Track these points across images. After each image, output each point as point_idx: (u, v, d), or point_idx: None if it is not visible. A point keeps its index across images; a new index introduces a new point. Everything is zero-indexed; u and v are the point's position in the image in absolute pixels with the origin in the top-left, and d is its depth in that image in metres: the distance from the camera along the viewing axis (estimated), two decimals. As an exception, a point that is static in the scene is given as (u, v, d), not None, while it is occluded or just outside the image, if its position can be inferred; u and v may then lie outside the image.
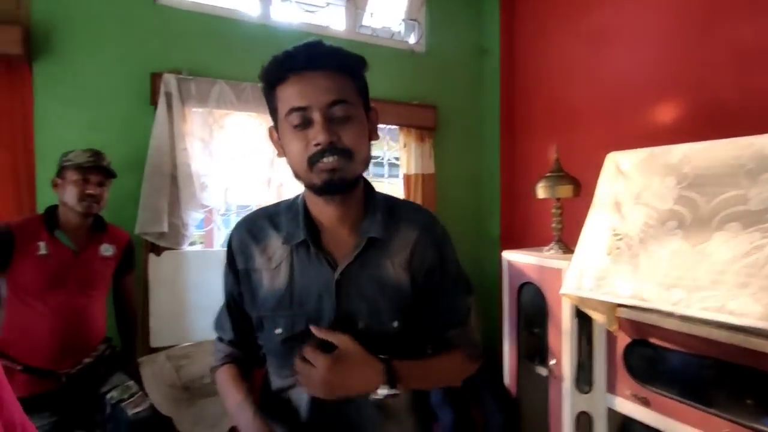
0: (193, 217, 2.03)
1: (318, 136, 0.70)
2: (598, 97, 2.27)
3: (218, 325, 0.91)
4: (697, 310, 1.17)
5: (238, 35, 2.18)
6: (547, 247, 1.99)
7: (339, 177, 0.72)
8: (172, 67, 2.00)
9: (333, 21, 2.50)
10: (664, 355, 1.49)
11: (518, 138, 2.81)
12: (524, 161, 2.76)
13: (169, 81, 1.95)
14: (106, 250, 1.60)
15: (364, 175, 0.83)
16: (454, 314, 0.87)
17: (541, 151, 2.62)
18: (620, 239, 1.45)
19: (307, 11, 2.42)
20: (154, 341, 1.87)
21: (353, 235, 0.81)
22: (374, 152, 2.85)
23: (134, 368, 1.70)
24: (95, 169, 1.53)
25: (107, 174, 1.57)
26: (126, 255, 1.68)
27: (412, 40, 2.72)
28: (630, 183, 1.49)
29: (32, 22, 1.81)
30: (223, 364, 0.88)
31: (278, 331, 0.79)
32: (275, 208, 0.86)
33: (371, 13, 2.58)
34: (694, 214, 1.27)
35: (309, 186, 0.76)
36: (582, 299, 1.57)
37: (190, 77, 2.00)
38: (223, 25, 2.16)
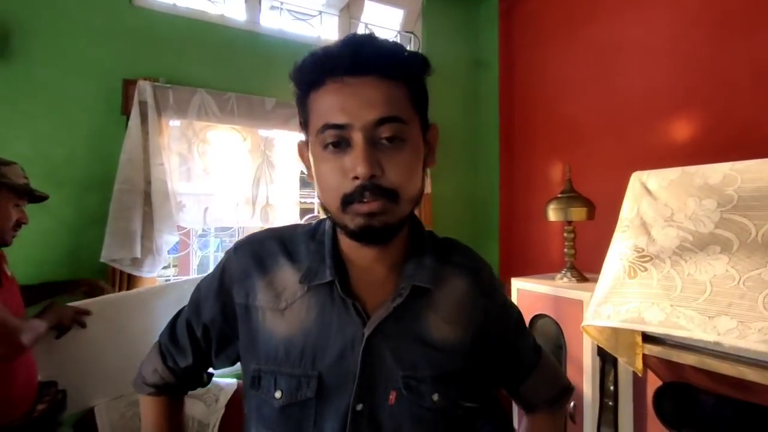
0: (167, 240, 1.81)
1: (357, 166, 0.53)
2: (607, 114, 2.14)
3: (175, 344, 0.72)
4: (756, 342, 1.00)
5: (222, 42, 2.01)
6: (559, 275, 1.83)
7: (379, 222, 0.55)
8: (149, 73, 1.81)
9: (326, 30, 2.35)
10: (702, 400, 1.32)
11: (518, 156, 2.67)
12: (525, 180, 2.62)
13: (145, 88, 1.76)
14: (7, 268, 1.35)
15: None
16: (522, 362, 0.74)
17: (542, 170, 2.49)
18: (648, 260, 1.29)
19: (298, 19, 2.26)
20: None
21: (391, 279, 0.63)
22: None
23: None
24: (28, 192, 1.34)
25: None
26: None
27: (407, 53, 2.59)
28: (659, 204, 1.34)
29: (-11, 20, 1.60)
30: (158, 394, 0.74)
31: (278, 394, 0.60)
32: (290, 232, 0.68)
33: (366, 24, 2.45)
34: (742, 240, 1.12)
35: (340, 227, 0.59)
36: (603, 337, 1.40)
37: (168, 85, 1.81)
38: (207, 30, 1.98)
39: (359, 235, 0.56)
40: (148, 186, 1.76)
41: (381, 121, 0.53)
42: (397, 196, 0.55)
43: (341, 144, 0.54)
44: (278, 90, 2.06)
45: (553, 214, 1.81)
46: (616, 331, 1.36)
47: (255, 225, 2.07)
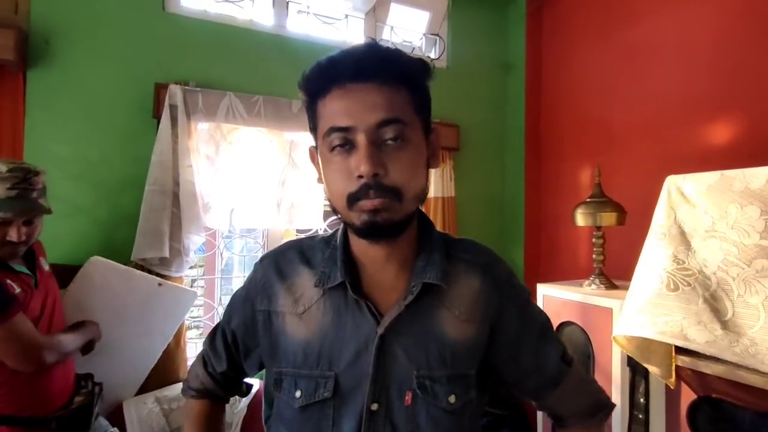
0: (194, 241, 1.85)
1: (360, 165, 0.55)
2: (640, 116, 2.08)
3: (213, 349, 0.77)
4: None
5: (250, 46, 2.04)
6: (586, 281, 1.77)
7: (383, 219, 0.57)
8: (179, 77, 1.86)
9: (351, 34, 2.37)
10: (739, 416, 1.25)
11: (545, 158, 2.62)
12: (552, 184, 2.57)
13: (175, 92, 1.80)
14: (45, 264, 1.37)
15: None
16: (548, 370, 0.70)
17: (571, 173, 2.43)
18: (691, 275, 1.24)
19: (324, 23, 2.28)
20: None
21: (403, 278, 0.65)
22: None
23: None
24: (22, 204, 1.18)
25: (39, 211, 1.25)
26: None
27: (433, 55, 2.58)
28: (698, 211, 1.28)
29: (31, 27, 1.68)
30: (200, 397, 0.79)
31: (297, 394, 0.63)
32: (310, 242, 0.72)
33: (392, 27, 2.45)
34: (789, 252, 1.06)
35: (349, 225, 0.62)
36: (634, 347, 1.35)
37: (198, 89, 1.86)
38: (235, 35, 2.02)
39: (365, 231, 0.58)
40: (176, 187, 1.80)
41: (383, 123, 0.56)
42: (401, 193, 0.57)
43: (346, 145, 0.57)
44: (304, 93, 2.08)
45: (581, 218, 1.76)
46: (648, 342, 1.31)
47: (280, 226, 2.10)
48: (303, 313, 0.65)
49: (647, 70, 2.05)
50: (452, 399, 0.61)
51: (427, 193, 0.63)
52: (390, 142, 0.57)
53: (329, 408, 0.61)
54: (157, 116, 1.80)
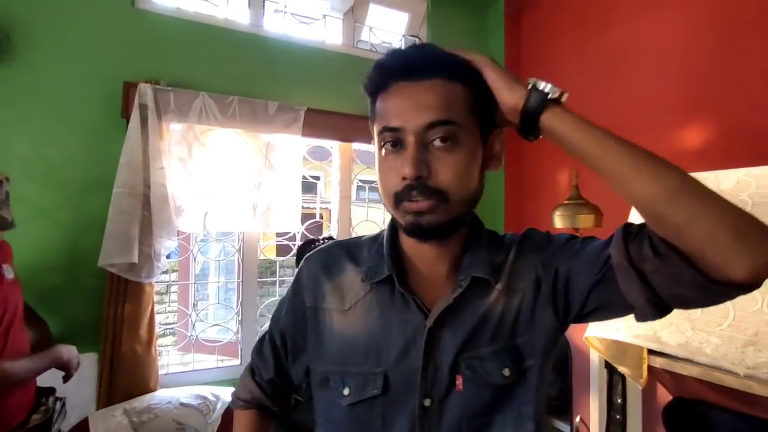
0: (166, 245, 1.78)
1: (405, 167, 0.56)
2: (616, 119, 2.09)
3: (260, 356, 0.77)
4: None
5: (225, 45, 1.99)
6: (565, 283, 1.78)
7: (427, 221, 0.57)
8: (149, 76, 1.79)
9: (329, 34, 2.34)
10: (714, 416, 1.27)
11: (525, 161, 2.63)
12: (531, 186, 2.58)
13: (145, 91, 1.74)
14: (8, 271, 1.27)
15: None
16: (595, 246, 0.61)
17: (550, 176, 2.45)
18: (662, 278, 1.24)
19: (302, 23, 2.25)
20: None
21: (451, 275, 0.64)
22: (362, 176, 2.57)
23: None
24: None
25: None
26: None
27: (412, 57, 2.56)
28: (670, 213, 1.29)
29: (-10, 22, 1.60)
30: (248, 408, 0.78)
31: (346, 392, 0.62)
32: (357, 241, 0.72)
33: (370, 28, 2.43)
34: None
35: (396, 223, 0.63)
36: (606, 348, 1.35)
37: (169, 88, 1.79)
38: (210, 33, 1.97)
39: (411, 232, 0.60)
40: (147, 190, 1.74)
41: (432, 125, 0.56)
42: (447, 196, 0.56)
43: (397, 145, 0.58)
44: (281, 94, 2.04)
45: (559, 220, 1.77)
46: (621, 344, 1.31)
47: (256, 230, 2.05)
48: (349, 309, 0.65)
49: (622, 74, 2.07)
50: (506, 372, 0.60)
51: (480, 196, 0.62)
52: (438, 143, 0.56)
53: (378, 407, 0.61)
54: (126, 116, 1.73)
